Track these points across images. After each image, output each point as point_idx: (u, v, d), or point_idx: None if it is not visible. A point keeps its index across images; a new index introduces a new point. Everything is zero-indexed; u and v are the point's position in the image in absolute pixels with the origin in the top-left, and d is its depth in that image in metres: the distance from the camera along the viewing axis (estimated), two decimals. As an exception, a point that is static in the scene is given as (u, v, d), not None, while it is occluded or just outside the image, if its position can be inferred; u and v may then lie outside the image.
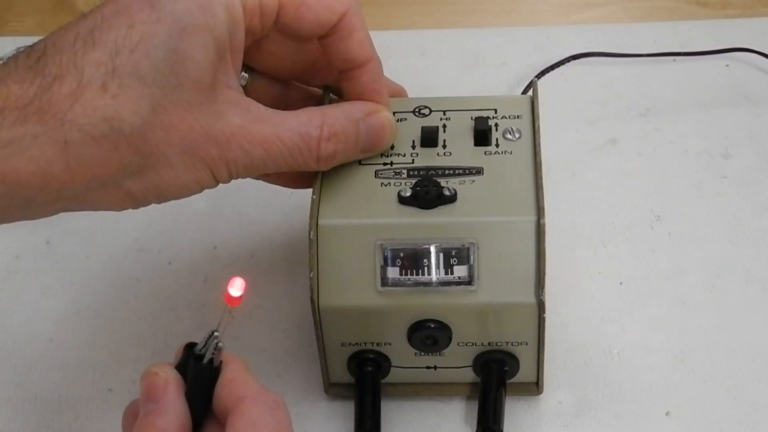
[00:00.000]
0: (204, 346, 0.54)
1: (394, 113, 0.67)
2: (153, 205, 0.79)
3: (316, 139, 0.60)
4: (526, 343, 0.64)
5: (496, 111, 0.67)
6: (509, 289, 0.61)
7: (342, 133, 0.61)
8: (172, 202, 0.79)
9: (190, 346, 0.55)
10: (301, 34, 0.62)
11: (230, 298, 0.54)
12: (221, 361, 0.54)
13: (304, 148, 0.59)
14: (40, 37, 0.97)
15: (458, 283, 0.61)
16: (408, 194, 0.62)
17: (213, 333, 0.54)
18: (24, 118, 0.52)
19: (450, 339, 0.63)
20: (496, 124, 0.66)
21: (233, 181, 0.80)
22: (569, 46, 0.89)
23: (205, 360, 0.54)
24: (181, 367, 0.54)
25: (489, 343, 0.64)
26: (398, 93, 0.69)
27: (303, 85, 0.67)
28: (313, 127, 0.60)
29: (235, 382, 0.54)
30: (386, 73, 0.88)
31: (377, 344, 0.64)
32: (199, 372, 0.54)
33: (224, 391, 0.54)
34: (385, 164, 0.64)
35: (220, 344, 0.54)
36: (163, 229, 0.78)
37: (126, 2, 0.55)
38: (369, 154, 0.64)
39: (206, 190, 0.80)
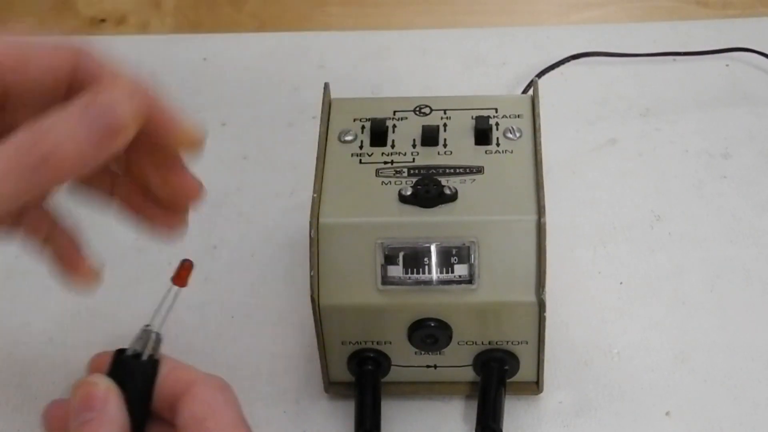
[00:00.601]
0: (141, 342, 0.54)
1: (395, 112, 0.67)
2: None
3: (34, 144, 0.50)
4: (527, 342, 0.64)
5: (496, 110, 0.67)
6: (510, 288, 0.61)
7: (55, 129, 0.50)
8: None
9: (121, 351, 0.54)
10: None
11: (179, 279, 0.54)
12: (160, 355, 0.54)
13: (29, 161, 0.50)
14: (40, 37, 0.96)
15: (459, 282, 0.61)
16: (409, 193, 0.62)
17: (147, 327, 0.54)
18: None
19: (450, 338, 0.63)
20: (497, 124, 0.66)
21: (233, 181, 0.81)
22: (569, 46, 0.89)
23: (145, 356, 0.53)
24: (113, 375, 0.53)
25: (489, 342, 0.64)
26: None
27: None
28: (27, 136, 0.50)
29: (179, 370, 0.54)
30: (387, 72, 0.89)
31: (377, 343, 0.64)
32: (141, 371, 0.53)
33: (169, 380, 0.53)
34: (385, 163, 0.64)
35: (159, 335, 0.54)
36: (163, 229, 0.78)
37: None
38: (115, 143, 0.52)
39: (207, 189, 0.80)
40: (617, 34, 0.91)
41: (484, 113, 0.67)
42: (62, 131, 0.50)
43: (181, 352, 0.71)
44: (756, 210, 0.78)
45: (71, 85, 0.55)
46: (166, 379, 0.53)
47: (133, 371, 0.53)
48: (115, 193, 0.60)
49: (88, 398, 0.52)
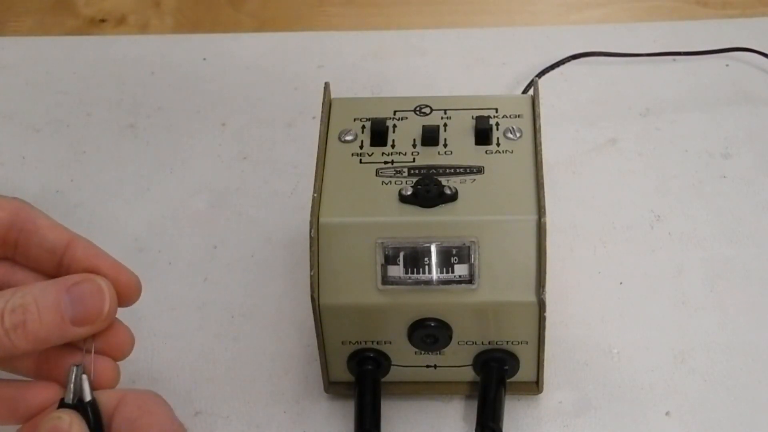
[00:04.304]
0: (75, 388, 0.57)
1: (395, 112, 0.67)
2: (152, 205, 0.80)
3: (11, 311, 0.55)
4: (527, 342, 0.64)
5: (497, 110, 0.67)
6: (510, 288, 0.61)
7: (33, 304, 0.55)
8: (171, 203, 0.80)
9: (64, 401, 0.57)
10: None
11: None
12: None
13: (3, 325, 0.55)
14: (41, 37, 0.97)
15: (459, 282, 0.61)
16: (409, 193, 0.62)
17: (75, 369, 0.57)
18: None
19: (450, 338, 0.63)
20: (497, 124, 0.66)
21: (233, 181, 0.81)
22: (569, 46, 0.89)
23: (89, 397, 0.57)
24: None
25: (489, 342, 0.64)
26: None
27: None
28: (6, 304, 0.55)
29: (109, 391, 0.58)
30: (387, 72, 0.89)
31: (377, 342, 0.64)
32: (93, 410, 0.57)
33: (101, 400, 0.57)
34: (386, 163, 0.64)
35: (82, 372, 0.57)
36: (163, 229, 0.78)
37: None
38: (86, 327, 0.57)
39: (207, 190, 0.81)
40: (617, 34, 0.91)
41: (485, 113, 0.67)
42: (32, 300, 0.55)
43: (181, 351, 0.71)
44: (756, 210, 0.78)
45: (5, 237, 0.59)
46: (98, 402, 0.57)
47: (85, 414, 0.57)
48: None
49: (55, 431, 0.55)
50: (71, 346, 0.58)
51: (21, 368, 0.60)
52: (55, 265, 0.59)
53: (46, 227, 0.59)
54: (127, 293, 0.59)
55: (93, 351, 0.58)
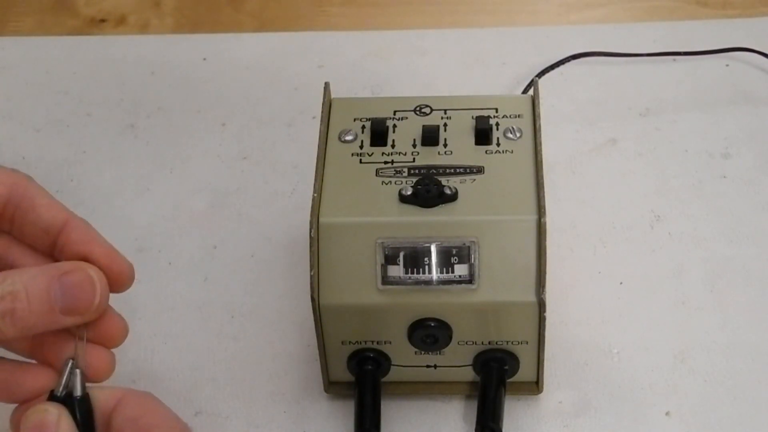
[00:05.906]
0: (68, 381, 0.56)
1: (395, 112, 0.67)
2: (152, 205, 0.80)
3: (1, 297, 0.54)
4: (527, 342, 0.64)
5: (497, 110, 0.67)
6: (510, 288, 0.61)
7: (23, 291, 0.54)
8: (171, 203, 0.80)
9: (53, 394, 0.56)
10: None
11: None
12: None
13: None
14: (41, 37, 0.97)
15: (459, 282, 0.61)
16: (409, 193, 0.62)
17: (70, 363, 0.56)
18: None
19: (450, 338, 0.63)
20: (497, 123, 0.66)
21: (233, 181, 0.81)
22: (569, 46, 0.89)
23: (80, 393, 0.56)
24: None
25: (489, 342, 0.64)
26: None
27: None
28: None
29: (106, 390, 0.57)
30: (387, 72, 0.89)
31: (377, 342, 0.64)
32: (81, 407, 0.56)
33: (100, 400, 0.57)
34: (386, 163, 0.64)
35: (76, 367, 0.56)
36: (163, 229, 0.78)
37: None
38: (75, 317, 0.56)
39: (207, 190, 0.81)
40: (617, 34, 0.91)
41: (485, 113, 0.67)
42: (21, 287, 0.54)
43: (182, 352, 0.71)
44: (756, 210, 0.78)
45: (2, 211, 0.58)
46: (96, 400, 0.57)
47: (73, 409, 0.56)
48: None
49: (41, 425, 0.54)
50: (65, 329, 0.58)
51: (16, 348, 0.59)
52: (49, 244, 0.59)
53: (42, 206, 0.59)
54: (119, 280, 0.59)
55: (85, 338, 0.57)
